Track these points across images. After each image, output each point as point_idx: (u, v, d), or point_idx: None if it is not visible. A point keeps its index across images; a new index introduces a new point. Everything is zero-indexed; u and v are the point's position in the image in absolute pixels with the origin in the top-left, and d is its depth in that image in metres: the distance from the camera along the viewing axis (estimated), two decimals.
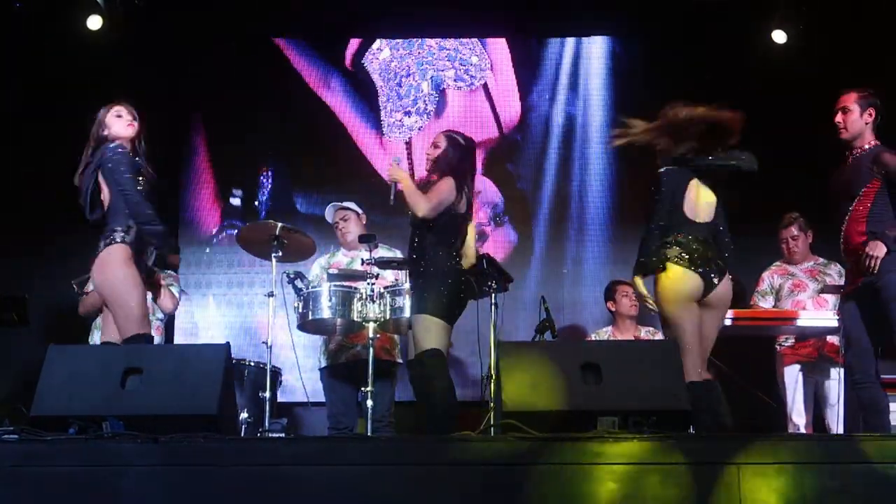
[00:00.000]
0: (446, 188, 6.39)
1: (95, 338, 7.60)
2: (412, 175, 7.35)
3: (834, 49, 9.00)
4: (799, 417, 7.63)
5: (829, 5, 9.10)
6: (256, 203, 9.76)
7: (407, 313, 6.87)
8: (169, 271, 8.07)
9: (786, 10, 9.04)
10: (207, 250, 9.64)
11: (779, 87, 8.91)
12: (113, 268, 5.96)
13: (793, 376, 7.67)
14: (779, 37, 9.11)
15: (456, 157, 6.56)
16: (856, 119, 6.28)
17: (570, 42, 10.08)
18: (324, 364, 7.79)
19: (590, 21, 10.02)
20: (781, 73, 9.03)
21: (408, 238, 6.57)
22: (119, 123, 6.22)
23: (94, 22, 9.08)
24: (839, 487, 4.52)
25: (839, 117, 6.33)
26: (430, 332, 6.25)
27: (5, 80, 8.99)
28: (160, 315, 7.97)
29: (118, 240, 5.96)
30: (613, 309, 8.36)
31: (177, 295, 8.06)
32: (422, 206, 6.31)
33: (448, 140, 6.60)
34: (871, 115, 6.27)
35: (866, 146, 6.23)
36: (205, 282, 9.59)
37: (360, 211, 7.93)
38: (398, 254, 7.37)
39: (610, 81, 10.04)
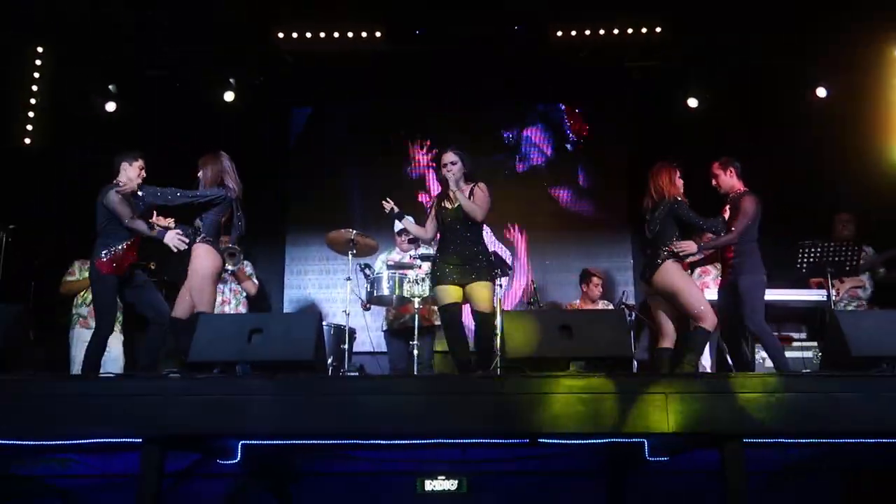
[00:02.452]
0: (486, 194, 6.15)
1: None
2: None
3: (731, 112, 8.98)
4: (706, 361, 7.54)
5: (726, 82, 9.07)
6: None
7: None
8: (247, 262, 8.04)
9: (696, 82, 9.03)
10: (307, 249, 9.66)
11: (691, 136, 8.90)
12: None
13: None
14: (692, 103, 9.07)
15: (469, 166, 6.20)
16: (724, 179, 6.29)
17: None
18: (385, 328, 7.81)
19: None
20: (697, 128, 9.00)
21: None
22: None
23: (229, 96, 9.13)
24: (735, 409, 4.53)
25: (714, 183, 6.35)
26: (491, 294, 6.10)
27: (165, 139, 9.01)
28: (242, 296, 8.02)
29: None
30: (585, 289, 8.29)
31: (256, 281, 8.06)
32: (480, 214, 6.05)
33: (458, 155, 6.15)
34: (731, 172, 6.28)
35: (736, 191, 6.23)
36: (303, 270, 9.59)
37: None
38: (431, 251, 7.33)
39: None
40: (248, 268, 7.99)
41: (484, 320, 6.02)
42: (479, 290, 6.01)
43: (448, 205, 6.15)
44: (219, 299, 7.70)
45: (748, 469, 4.48)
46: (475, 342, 6.11)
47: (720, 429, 4.50)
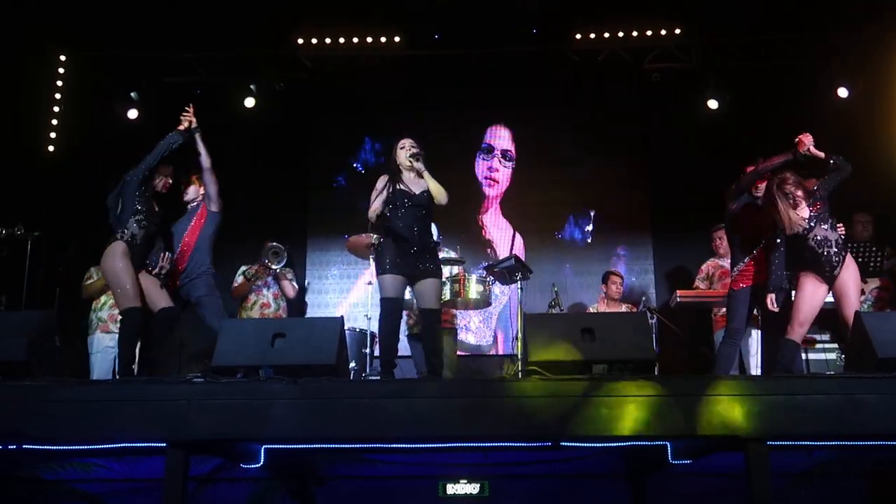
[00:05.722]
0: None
1: (242, 315, 7.77)
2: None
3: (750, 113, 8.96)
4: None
5: (747, 83, 9.03)
6: None
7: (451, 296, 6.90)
8: (289, 269, 8.11)
9: (716, 84, 9.00)
10: (327, 254, 9.69)
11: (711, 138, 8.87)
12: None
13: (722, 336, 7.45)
14: (712, 104, 9.04)
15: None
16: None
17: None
18: (407, 332, 7.79)
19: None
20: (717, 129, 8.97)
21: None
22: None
23: (249, 102, 9.17)
24: (759, 412, 4.49)
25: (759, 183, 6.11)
26: (441, 291, 5.95)
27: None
28: (283, 301, 8.09)
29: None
30: (605, 291, 8.27)
31: (295, 285, 8.13)
32: (446, 198, 5.83)
33: (417, 142, 5.96)
34: None
35: None
36: (325, 275, 9.61)
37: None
38: (452, 254, 7.31)
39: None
40: (288, 274, 8.06)
41: (435, 319, 5.83)
42: (432, 285, 5.79)
43: (411, 189, 5.86)
44: (259, 303, 7.79)
45: (772, 472, 4.44)
46: (426, 345, 5.87)
47: (744, 431, 4.46)
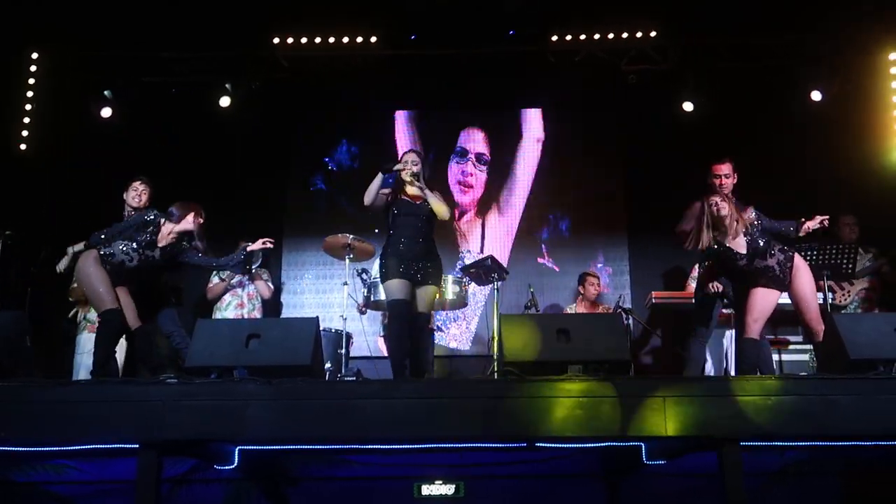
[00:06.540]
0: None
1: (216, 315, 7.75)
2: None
3: (726, 116, 9.01)
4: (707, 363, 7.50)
5: (725, 85, 9.09)
6: None
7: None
8: (264, 269, 8.11)
9: (692, 86, 9.05)
10: (303, 255, 9.65)
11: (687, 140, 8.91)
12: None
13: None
14: (687, 106, 9.09)
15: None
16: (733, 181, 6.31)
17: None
18: (383, 333, 7.80)
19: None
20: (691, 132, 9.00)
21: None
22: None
23: (225, 101, 9.13)
24: (732, 412, 4.53)
25: (725, 181, 6.27)
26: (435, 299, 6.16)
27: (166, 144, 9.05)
28: (258, 302, 8.08)
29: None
30: (582, 292, 8.29)
31: (271, 286, 8.12)
32: (447, 213, 6.06)
33: (419, 157, 6.13)
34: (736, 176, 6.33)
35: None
36: (301, 275, 9.57)
37: None
38: None
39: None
40: (264, 274, 8.05)
41: (425, 322, 6.11)
42: (429, 291, 5.99)
43: (414, 199, 6.01)
44: (235, 303, 7.78)
45: (745, 471, 4.47)
46: (413, 347, 5.96)
47: (718, 432, 4.49)
